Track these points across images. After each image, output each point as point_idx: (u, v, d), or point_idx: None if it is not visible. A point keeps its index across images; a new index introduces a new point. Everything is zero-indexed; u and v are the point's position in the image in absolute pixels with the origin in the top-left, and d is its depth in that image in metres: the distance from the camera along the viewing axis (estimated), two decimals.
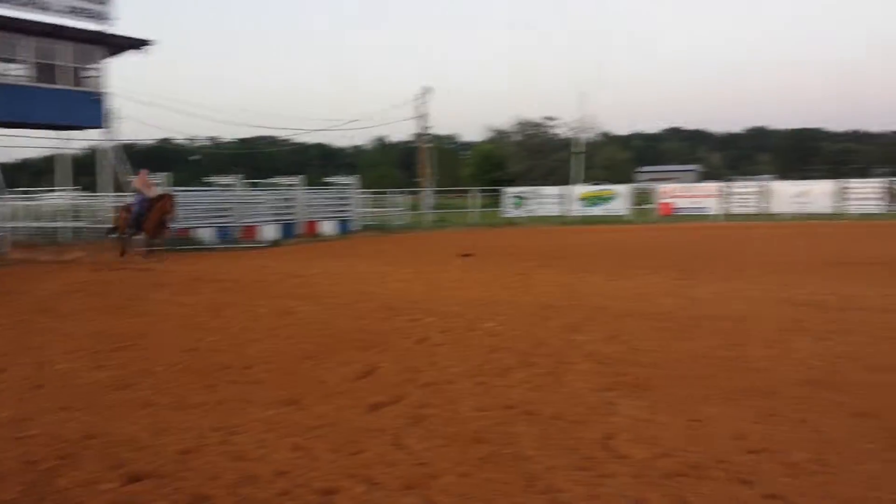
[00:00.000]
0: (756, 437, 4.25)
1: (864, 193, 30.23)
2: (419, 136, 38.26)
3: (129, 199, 18.83)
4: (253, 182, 25.84)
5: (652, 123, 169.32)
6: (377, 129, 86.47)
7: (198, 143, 74.23)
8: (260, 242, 21.22)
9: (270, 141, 56.64)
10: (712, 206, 31.86)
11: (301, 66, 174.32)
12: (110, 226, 18.26)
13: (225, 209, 22.02)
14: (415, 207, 33.74)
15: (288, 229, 23.38)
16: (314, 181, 31.54)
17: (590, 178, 45.40)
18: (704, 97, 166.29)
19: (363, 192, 29.85)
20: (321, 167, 73.21)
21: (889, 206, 29.65)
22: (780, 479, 3.63)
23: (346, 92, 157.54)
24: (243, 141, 61.26)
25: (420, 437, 4.34)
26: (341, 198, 26.91)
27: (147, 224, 16.37)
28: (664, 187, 34.67)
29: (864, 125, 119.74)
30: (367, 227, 27.44)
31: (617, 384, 5.43)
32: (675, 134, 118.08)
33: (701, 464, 3.84)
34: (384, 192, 32.80)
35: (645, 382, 5.47)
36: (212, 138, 76.44)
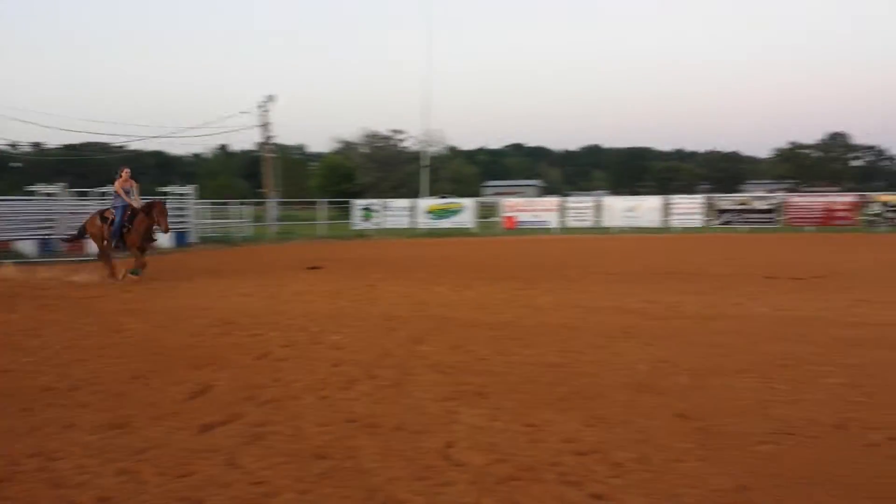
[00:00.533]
0: (585, 439, 4.47)
1: (687, 208, 32.89)
2: (263, 145, 37.22)
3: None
4: (81, 191, 24.06)
5: (496, 139, 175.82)
6: (219, 138, 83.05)
7: (20, 150, 68.18)
8: (89, 255, 19.76)
9: (102, 147, 52.93)
10: (552, 219, 33.39)
11: (139, 69, 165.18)
12: (72, 233, 15.99)
13: (49, 220, 20.37)
14: (259, 219, 32.75)
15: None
16: (150, 190, 29.79)
17: (437, 192, 46.14)
18: (545, 115, 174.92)
19: (203, 203, 28.63)
20: (158, 176, 69.42)
21: (708, 220, 32.39)
22: (605, 479, 3.84)
23: (187, 98, 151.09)
24: (71, 147, 56.91)
25: (257, 455, 4.21)
26: (178, 208, 25.63)
27: (131, 237, 14.13)
28: (508, 201, 35.91)
29: (688, 145, 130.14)
30: (206, 240, 26.32)
31: (459, 393, 5.53)
32: (517, 150, 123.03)
33: (534, 467, 4.00)
34: (226, 203, 31.60)
35: (485, 390, 5.61)
36: (36, 144, 70.49)
